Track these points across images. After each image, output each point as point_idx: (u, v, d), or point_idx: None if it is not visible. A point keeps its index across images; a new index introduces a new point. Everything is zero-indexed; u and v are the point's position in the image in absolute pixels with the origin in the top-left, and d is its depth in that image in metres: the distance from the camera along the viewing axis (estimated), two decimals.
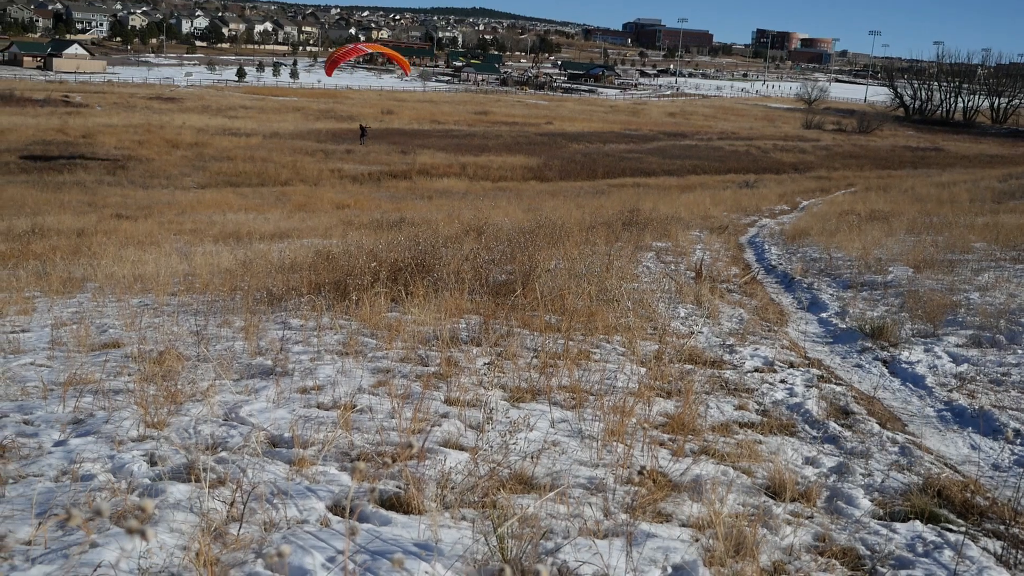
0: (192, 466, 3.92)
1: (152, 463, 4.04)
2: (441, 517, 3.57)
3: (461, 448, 4.36)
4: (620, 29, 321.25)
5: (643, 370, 6.03)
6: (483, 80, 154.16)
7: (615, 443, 4.49)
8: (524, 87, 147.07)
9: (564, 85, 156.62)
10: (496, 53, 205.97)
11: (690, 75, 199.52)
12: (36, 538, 3.22)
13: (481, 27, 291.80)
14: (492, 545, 3.25)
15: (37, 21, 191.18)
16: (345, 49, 39.22)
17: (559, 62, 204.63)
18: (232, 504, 3.53)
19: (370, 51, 41.00)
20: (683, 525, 3.69)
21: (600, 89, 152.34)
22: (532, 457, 4.19)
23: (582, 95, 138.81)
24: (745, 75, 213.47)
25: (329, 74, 47.19)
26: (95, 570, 2.94)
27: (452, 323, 6.90)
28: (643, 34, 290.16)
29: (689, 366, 6.32)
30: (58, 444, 4.33)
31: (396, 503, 3.73)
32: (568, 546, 3.36)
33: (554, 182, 46.45)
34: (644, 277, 10.18)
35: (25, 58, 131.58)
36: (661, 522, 3.69)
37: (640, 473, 4.12)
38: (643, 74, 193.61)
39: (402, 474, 3.93)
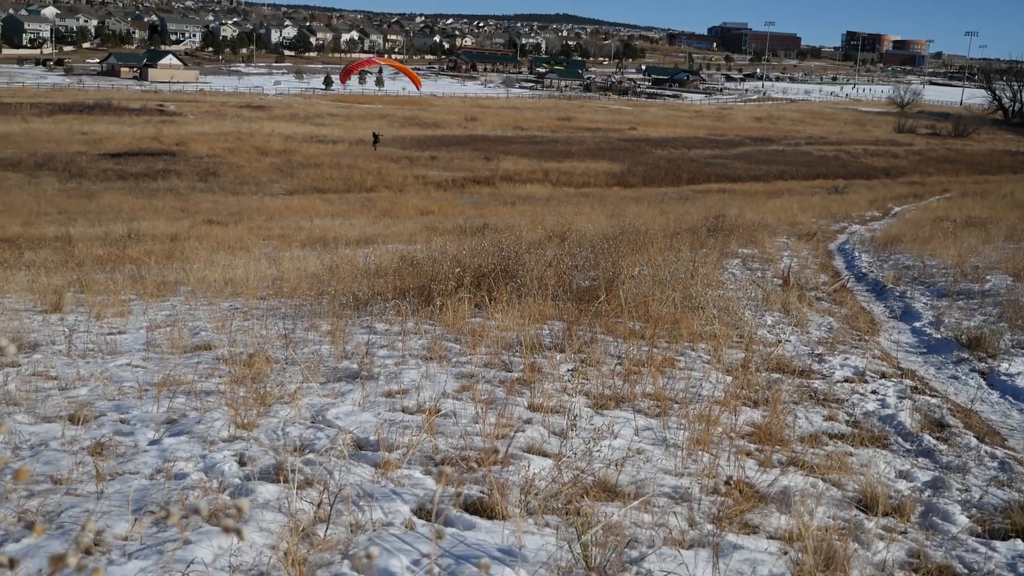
0: (280, 467, 3.99)
1: (242, 463, 4.13)
2: (525, 523, 3.57)
3: (545, 454, 4.35)
4: (705, 33, 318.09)
5: (729, 378, 5.95)
6: (566, 86, 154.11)
7: (700, 452, 4.43)
8: (607, 92, 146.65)
9: (648, 90, 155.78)
10: (579, 59, 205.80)
11: (777, 79, 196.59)
12: (132, 534, 3.31)
13: (564, 33, 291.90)
14: (576, 553, 3.23)
15: (134, 33, 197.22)
16: (360, 60, 40.01)
17: (643, 67, 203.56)
18: (319, 505, 3.58)
19: (381, 64, 41.62)
20: (771, 537, 3.62)
21: (685, 94, 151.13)
22: (616, 465, 4.16)
23: (666, 100, 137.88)
24: (834, 78, 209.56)
25: (343, 82, 47.99)
26: (188, 566, 3.01)
27: (535, 329, 6.90)
28: (729, 38, 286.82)
29: (776, 375, 6.21)
30: (153, 443, 4.44)
31: (480, 508, 3.74)
32: (653, 556, 3.33)
33: (638, 188, 46.23)
34: (730, 284, 10.05)
35: (122, 69, 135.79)
36: (748, 534, 3.64)
37: (727, 483, 4.06)
38: (729, 78, 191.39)
39: (486, 479, 3.94)
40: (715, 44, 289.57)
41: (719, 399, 5.24)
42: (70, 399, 5.27)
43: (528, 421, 4.80)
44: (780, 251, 14.33)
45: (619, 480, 4.04)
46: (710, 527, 3.63)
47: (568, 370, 5.96)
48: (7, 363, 6.14)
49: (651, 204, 30.98)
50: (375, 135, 54.68)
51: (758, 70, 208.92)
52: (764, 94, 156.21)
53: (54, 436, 4.50)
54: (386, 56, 64.47)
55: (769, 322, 8.22)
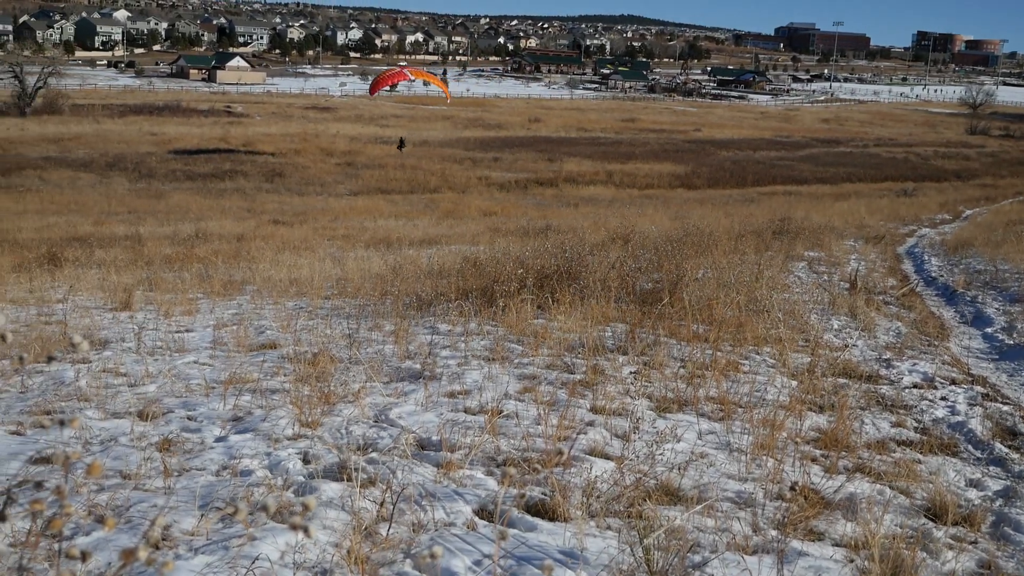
0: (344, 466, 4.02)
1: (306, 461, 4.17)
2: (586, 525, 3.55)
3: (607, 457, 4.33)
4: (772, 34, 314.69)
5: (794, 383, 5.86)
6: (630, 87, 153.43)
7: (764, 457, 4.37)
8: (672, 94, 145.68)
9: (713, 91, 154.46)
10: (644, 60, 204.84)
11: (845, 80, 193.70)
12: (198, 529, 3.36)
13: (629, 34, 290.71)
14: (638, 556, 3.21)
15: (203, 35, 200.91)
16: (391, 72, 39.99)
17: (708, 68, 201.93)
18: (382, 504, 3.61)
19: (413, 77, 41.60)
20: (836, 544, 3.56)
21: (751, 95, 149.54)
22: (679, 468, 4.12)
23: (732, 101, 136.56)
24: (904, 79, 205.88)
25: (372, 94, 47.86)
26: (253, 562, 3.04)
27: (598, 331, 6.87)
28: (796, 38, 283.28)
29: (843, 380, 6.11)
30: (219, 440, 4.51)
31: (541, 509, 3.73)
32: (716, 561, 3.29)
33: (702, 190, 45.85)
34: (795, 287, 9.91)
35: (191, 71, 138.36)
36: (813, 540, 3.58)
37: (791, 489, 4.00)
38: (796, 79, 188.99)
39: (548, 481, 3.93)
40: (782, 44, 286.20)
41: (784, 403, 5.16)
42: (139, 396, 5.37)
43: (590, 423, 4.78)
44: (847, 254, 14.10)
45: (682, 484, 4.00)
46: (774, 533, 3.58)
47: (631, 372, 5.92)
48: (79, 359, 6.28)
49: (715, 206, 30.71)
50: (401, 139, 55.06)
51: (826, 71, 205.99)
52: (832, 95, 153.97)
53: (123, 432, 4.59)
54: (422, 69, 64.67)
55: (836, 326, 8.09)
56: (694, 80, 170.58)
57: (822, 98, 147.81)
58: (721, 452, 4.49)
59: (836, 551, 3.49)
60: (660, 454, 4.30)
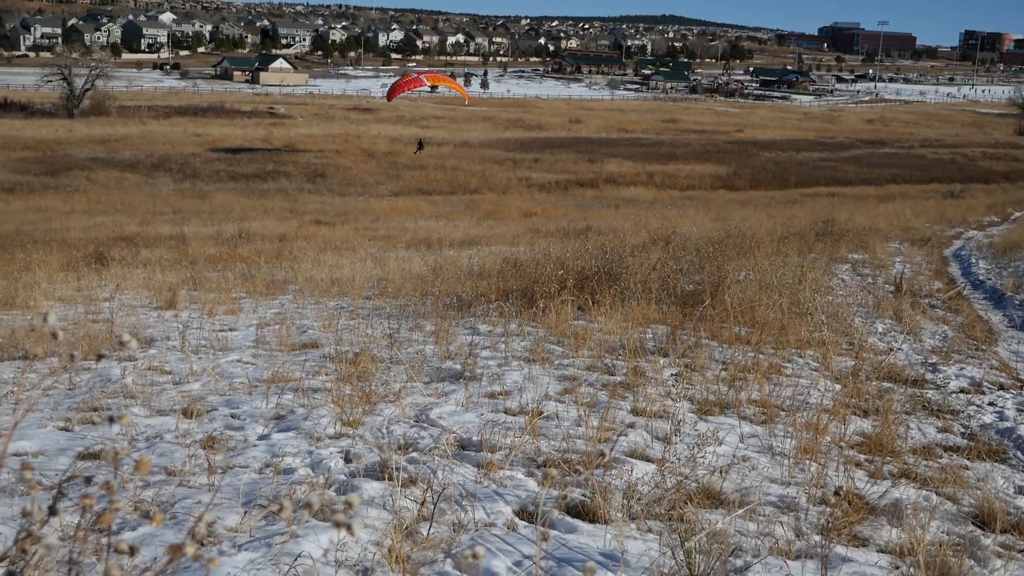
0: (385, 465, 4.04)
1: (347, 460, 4.19)
2: (627, 527, 3.54)
3: (648, 459, 4.31)
4: (815, 33, 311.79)
5: (838, 387, 5.80)
6: (672, 88, 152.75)
7: (808, 461, 4.33)
8: (714, 94, 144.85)
9: (755, 92, 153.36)
10: (685, 60, 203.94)
11: (890, 80, 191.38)
12: (242, 526, 3.39)
13: (671, 34, 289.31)
14: (679, 559, 3.19)
15: (246, 37, 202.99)
16: (407, 79, 40.10)
17: (750, 68, 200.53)
18: (423, 504, 3.62)
19: (429, 83, 41.61)
20: (881, 551, 3.51)
21: (793, 95, 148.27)
22: (721, 472, 4.09)
23: (774, 102, 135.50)
24: (951, 79, 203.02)
25: (389, 100, 47.84)
26: (296, 559, 3.07)
27: (639, 332, 6.85)
28: (840, 38, 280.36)
29: (888, 384, 6.03)
30: (262, 438, 4.55)
31: (582, 511, 3.72)
32: (758, 565, 3.27)
33: (744, 191, 45.54)
34: (839, 290, 9.81)
35: (235, 72, 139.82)
36: (857, 546, 3.53)
37: (835, 493, 3.95)
38: (840, 79, 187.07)
39: (588, 482, 3.92)
40: (826, 44, 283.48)
41: (827, 407, 5.11)
42: (183, 393, 5.44)
43: (631, 425, 4.77)
44: (892, 257, 13.93)
45: (723, 487, 3.97)
46: (817, 538, 3.54)
47: (672, 374, 5.89)
48: (125, 357, 6.37)
49: (758, 207, 30.48)
50: (419, 141, 55.26)
51: (870, 71, 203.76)
52: (876, 95, 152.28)
53: (168, 429, 4.65)
54: (437, 73, 64.77)
55: (880, 329, 8.00)
56: (736, 80, 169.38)
57: (866, 98, 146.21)
58: (763, 456, 4.46)
59: (881, 557, 3.44)
60: (702, 457, 4.27)
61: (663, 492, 3.86)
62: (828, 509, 3.83)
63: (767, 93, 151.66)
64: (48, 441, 4.46)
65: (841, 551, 3.43)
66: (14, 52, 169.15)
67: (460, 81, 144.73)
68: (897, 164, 59.70)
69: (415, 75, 44.32)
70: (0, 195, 38.31)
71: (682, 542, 3.25)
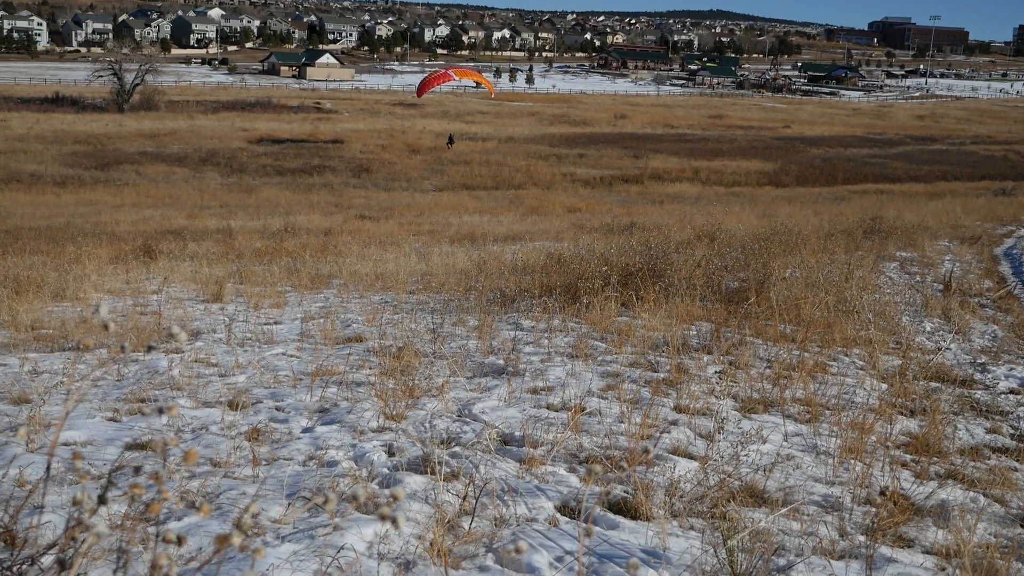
0: (427, 459, 4.06)
1: (390, 454, 4.22)
2: (669, 525, 3.53)
3: (690, 456, 4.29)
4: (865, 28, 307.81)
5: (884, 386, 5.73)
6: (718, 83, 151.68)
7: (853, 461, 4.28)
8: (761, 90, 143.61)
9: (803, 87, 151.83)
10: (732, 56, 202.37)
11: (942, 75, 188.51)
12: (286, 518, 3.43)
13: (718, 29, 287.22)
14: (721, 558, 3.17)
15: (293, 33, 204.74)
16: (436, 75, 40.58)
17: (799, 64, 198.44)
18: (464, 498, 3.63)
19: (457, 77, 42.01)
20: (927, 552, 3.47)
21: (842, 91, 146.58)
22: (764, 470, 4.06)
23: (823, 98, 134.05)
24: (1004, 75, 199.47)
25: (419, 96, 48.43)
26: (339, 551, 3.09)
27: (683, 329, 6.81)
28: (891, 33, 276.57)
29: (935, 384, 5.94)
30: (305, 431, 4.60)
31: (623, 508, 3.72)
32: (801, 564, 3.24)
33: (790, 187, 45.06)
34: (886, 288, 9.68)
35: (282, 67, 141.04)
36: (902, 547, 3.49)
37: (881, 494, 3.91)
38: (889, 75, 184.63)
39: (630, 479, 3.91)
40: (875, 39, 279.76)
41: (873, 407, 5.05)
42: (229, 385, 5.50)
43: (674, 422, 4.75)
44: (941, 255, 13.72)
45: (767, 486, 3.94)
46: (862, 538, 3.50)
47: (715, 372, 5.85)
48: (172, 349, 6.45)
49: (804, 204, 30.16)
50: (450, 136, 55.55)
51: (921, 66, 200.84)
52: (927, 91, 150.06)
53: (214, 421, 4.71)
54: (465, 68, 65.24)
55: (928, 329, 7.88)
56: (784, 76, 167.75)
57: (917, 94, 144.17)
58: (808, 455, 4.42)
59: (927, 559, 3.40)
60: (745, 455, 4.24)
61: (706, 490, 3.84)
62: (873, 509, 3.78)
63: (815, 89, 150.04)
64: (96, 431, 4.54)
65: (886, 552, 3.39)
66: (66, 48, 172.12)
67: (505, 77, 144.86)
68: (948, 161, 58.76)
69: (443, 70, 44.68)
70: (52, 188, 39.01)
71: (724, 540, 3.24)
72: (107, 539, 2.86)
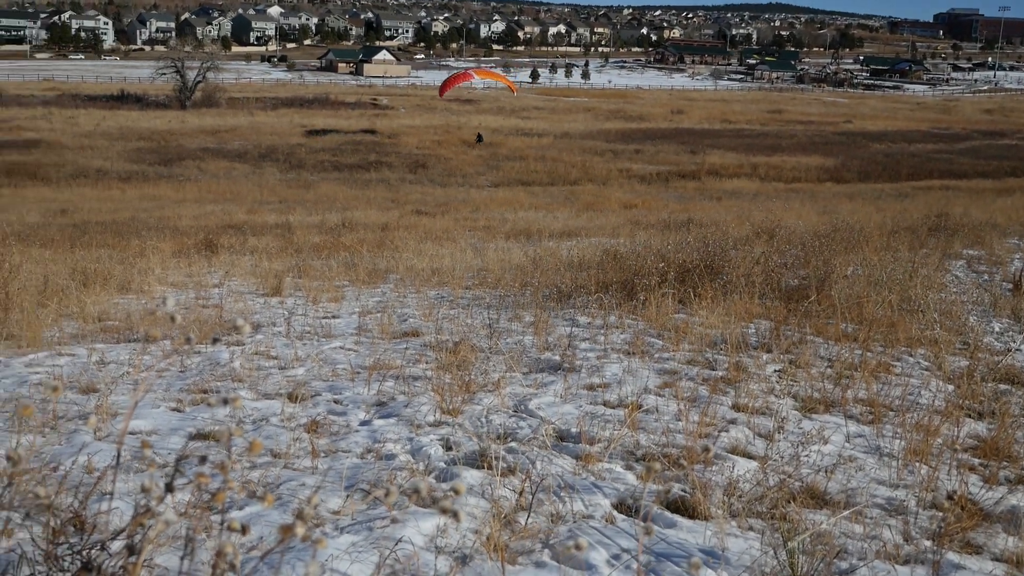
0: (484, 454, 4.07)
1: (447, 448, 4.23)
2: (728, 525, 3.49)
3: (749, 456, 4.24)
4: (931, 21, 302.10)
5: (951, 387, 5.61)
6: (777, 78, 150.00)
7: (917, 464, 4.20)
8: (821, 84, 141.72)
9: (866, 81, 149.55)
10: (792, 50, 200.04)
11: (1011, 68, 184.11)
12: (344, 509, 3.45)
13: (777, 23, 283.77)
14: (781, 559, 3.13)
15: (351, 30, 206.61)
16: (457, 75, 41.26)
17: (860, 57, 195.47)
18: (521, 494, 3.63)
19: (477, 77, 42.64)
20: (996, 559, 3.38)
21: (906, 85, 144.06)
22: (826, 471, 4.00)
23: (885, 92, 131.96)
24: None
25: (441, 96, 49.29)
26: (396, 544, 3.11)
27: (741, 327, 6.74)
28: (957, 25, 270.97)
29: (1004, 386, 5.80)
30: (363, 424, 4.63)
31: (681, 506, 3.68)
32: (864, 569, 3.18)
33: (852, 184, 44.40)
34: (952, 287, 9.48)
35: (339, 64, 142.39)
36: (970, 553, 3.41)
37: (948, 498, 3.82)
38: (956, 68, 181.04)
39: (688, 478, 3.87)
40: (941, 32, 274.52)
41: (939, 409, 4.95)
42: (288, 378, 5.56)
43: (732, 421, 4.69)
44: (1011, 253, 13.41)
45: (828, 487, 3.88)
46: (927, 543, 3.43)
47: (775, 371, 5.78)
48: (233, 342, 6.54)
49: (866, 201, 29.69)
50: (479, 135, 55.69)
51: (989, 59, 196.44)
52: (996, 84, 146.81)
53: (274, 412, 4.76)
54: (486, 68, 66.03)
55: (997, 329, 7.70)
56: (845, 70, 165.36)
57: (985, 88, 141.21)
58: (870, 456, 4.34)
59: (996, 566, 3.32)
60: (805, 456, 4.18)
61: (765, 490, 3.79)
62: (939, 514, 3.70)
63: (878, 83, 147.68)
64: (161, 421, 4.62)
65: (953, 558, 3.31)
66: (131, 46, 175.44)
67: (561, 72, 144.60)
68: (1017, 156, 57.38)
69: (464, 71, 45.55)
70: (117, 184, 39.82)
71: (785, 542, 3.19)
72: (172, 526, 2.90)
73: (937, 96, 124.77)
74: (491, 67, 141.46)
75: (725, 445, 4.35)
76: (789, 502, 3.68)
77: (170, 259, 12.46)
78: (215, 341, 6.46)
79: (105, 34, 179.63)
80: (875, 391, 5.26)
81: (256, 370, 5.74)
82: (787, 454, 4.22)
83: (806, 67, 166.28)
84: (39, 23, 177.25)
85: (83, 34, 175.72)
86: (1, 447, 4.04)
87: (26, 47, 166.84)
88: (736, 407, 4.97)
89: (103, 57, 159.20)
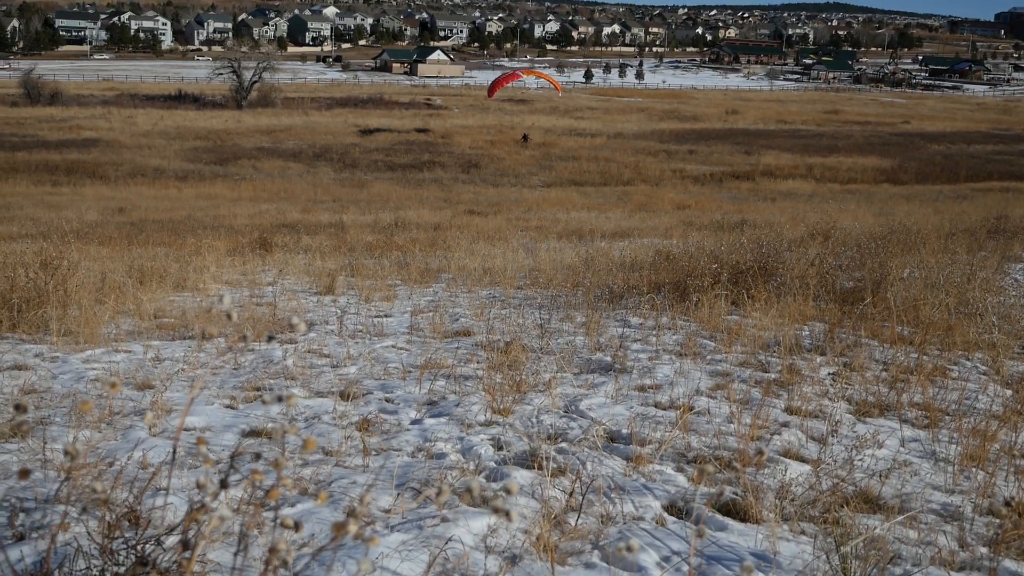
0: (534, 454, 4.07)
1: (497, 447, 4.24)
2: (779, 529, 3.46)
3: (802, 459, 4.19)
4: (992, 20, 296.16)
5: (1009, 392, 5.50)
6: (834, 78, 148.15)
7: (974, 469, 4.13)
8: (879, 84, 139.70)
9: (924, 81, 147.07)
10: (849, 49, 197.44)
11: None
12: (395, 508, 3.48)
13: (834, 23, 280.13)
14: (834, 564, 3.10)
15: (405, 30, 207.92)
16: (505, 75, 41.96)
17: (919, 57, 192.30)
18: (571, 494, 3.63)
19: (524, 76, 43.51)
20: None
21: (966, 85, 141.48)
22: (880, 476, 3.95)
23: (944, 92, 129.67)
24: None
25: (490, 97, 49.84)
26: (446, 543, 3.13)
27: (794, 329, 6.67)
28: (1019, 24, 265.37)
29: None
30: (414, 423, 4.66)
31: (732, 509, 3.66)
32: (919, 575, 3.14)
33: (909, 185, 43.69)
34: (1012, 290, 9.29)
35: (394, 64, 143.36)
36: None
37: (1006, 504, 3.75)
38: (1018, 68, 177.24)
39: (740, 480, 3.85)
40: (1002, 31, 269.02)
41: (997, 414, 4.85)
42: (340, 376, 5.61)
43: (785, 424, 4.65)
44: None
45: (882, 492, 3.83)
46: (984, 550, 3.37)
47: (829, 374, 5.71)
48: (286, 340, 6.62)
49: (924, 202, 29.22)
50: (524, 135, 55.82)
51: None
52: None
53: (326, 410, 4.81)
54: (534, 69, 66.60)
55: None
56: (903, 70, 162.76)
57: None
58: (926, 461, 4.27)
59: None
60: (859, 460, 4.13)
61: (818, 494, 3.75)
62: (996, 520, 3.64)
63: (937, 83, 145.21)
64: (215, 417, 4.69)
65: (1010, 565, 3.25)
66: (189, 47, 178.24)
67: (615, 72, 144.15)
68: None
69: (512, 71, 46.39)
70: (174, 182, 40.45)
71: (837, 546, 3.16)
72: (229, 521, 2.95)
73: (998, 96, 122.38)
74: (544, 67, 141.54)
75: (777, 448, 4.31)
76: (842, 506, 3.64)
77: (225, 257, 12.63)
78: (270, 339, 6.54)
79: (164, 35, 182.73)
80: (931, 395, 5.18)
81: (309, 368, 5.80)
82: (840, 458, 4.17)
83: (863, 67, 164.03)
84: (99, 24, 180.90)
85: (142, 35, 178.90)
86: (58, 442, 4.13)
87: (86, 47, 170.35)
88: (789, 410, 4.93)
89: (162, 57, 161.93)
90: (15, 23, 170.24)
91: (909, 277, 8.18)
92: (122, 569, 2.50)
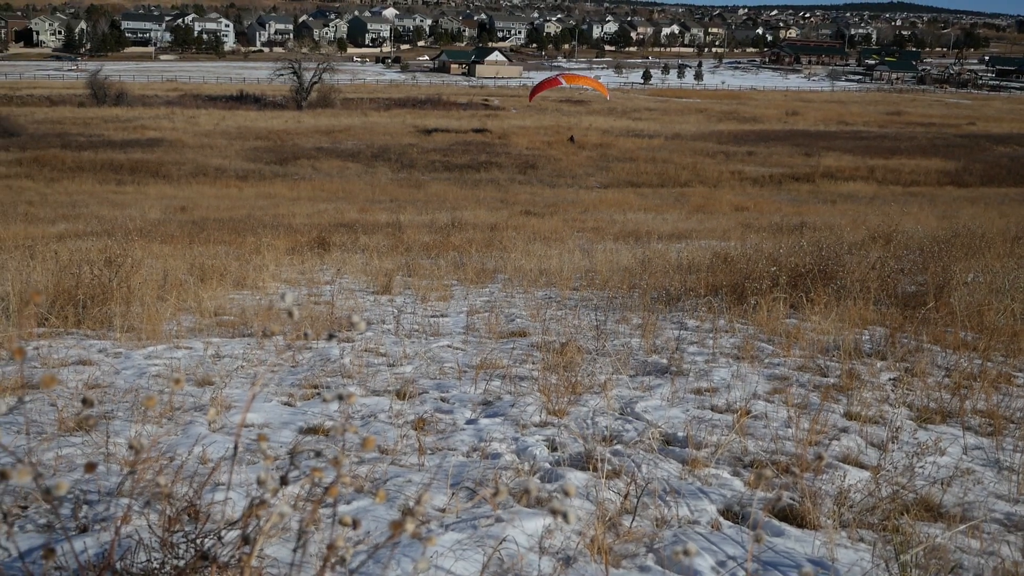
0: (589, 456, 4.07)
1: (552, 449, 4.24)
2: (837, 535, 3.41)
3: (861, 466, 4.13)
4: None
5: None
6: (897, 78, 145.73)
7: None
8: (944, 85, 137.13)
9: (991, 82, 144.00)
10: (913, 50, 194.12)
11: None
12: (449, 507, 3.50)
13: (898, 22, 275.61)
14: (893, 572, 3.05)
15: (464, 31, 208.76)
16: (547, 80, 41.60)
17: (986, 57, 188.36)
18: (626, 497, 3.62)
19: (566, 83, 42.88)
20: None
21: None
22: (941, 484, 3.88)
23: (1012, 93, 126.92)
24: None
25: (531, 100, 49.38)
26: (500, 543, 3.14)
27: (854, 334, 6.58)
28: None
29: None
30: (469, 422, 4.68)
31: (788, 514, 3.62)
32: None
33: (974, 188, 42.83)
34: None
35: (452, 65, 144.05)
36: None
37: None
38: None
39: (797, 486, 3.80)
40: None
41: None
42: (396, 375, 5.65)
43: (844, 430, 4.59)
44: None
45: (944, 500, 3.76)
46: None
47: (889, 379, 5.62)
48: (344, 339, 6.69)
49: (989, 205, 28.62)
50: (571, 136, 55.72)
51: None
52: None
53: (382, 409, 4.85)
54: (579, 75, 65.89)
55: None
56: (969, 71, 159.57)
57: None
58: (989, 469, 4.19)
59: None
60: (920, 467, 4.06)
61: (877, 501, 3.69)
62: None
63: (1004, 84, 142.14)
64: (273, 414, 4.75)
65: None
66: (250, 48, 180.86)
67: (673, 73, 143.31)
68: None
69: (554, 76, 45.95)
70: (235, 182, 41.06)
71: (897, 555, 3.11)
72: (287, 518, 2.99)
73: None
74: (602, 68, 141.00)
75: (836, 453, 4.26)
76: (902, 514, 3.58)
77: (284, 256, 12.79)
78: (330, 337, 6.60)
79: (226, 36, 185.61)
80: (995, 402, 5.07)
81: (365, 367, 5.85)
82: (901, 464, 4.10)
83: (928, 67, 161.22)
84: (164, 25, 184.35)
85: (205, 36, 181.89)
86: (121, 436, 4.21)
87: (151, 49, 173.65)
88: (848, 415, 4.86)
89: (224, 59, 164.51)
90: (83, 25, 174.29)
91: (973, 281, 8.03)
92: (182, 563, 2.54)
